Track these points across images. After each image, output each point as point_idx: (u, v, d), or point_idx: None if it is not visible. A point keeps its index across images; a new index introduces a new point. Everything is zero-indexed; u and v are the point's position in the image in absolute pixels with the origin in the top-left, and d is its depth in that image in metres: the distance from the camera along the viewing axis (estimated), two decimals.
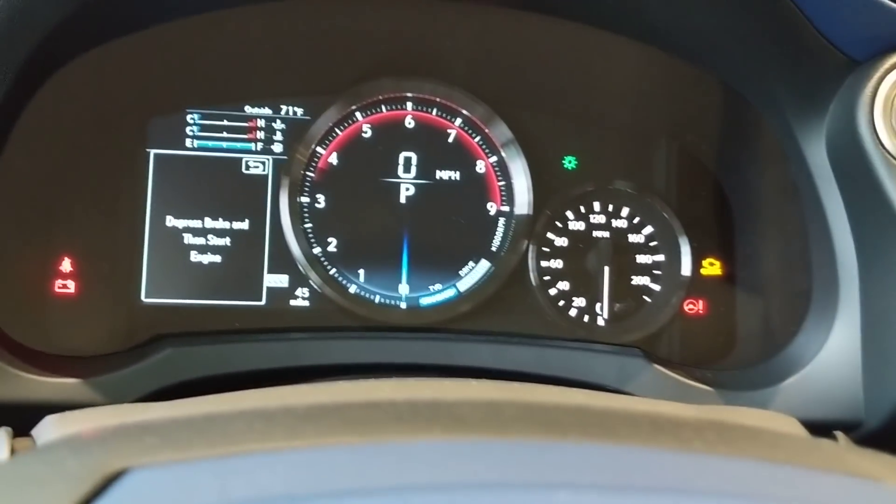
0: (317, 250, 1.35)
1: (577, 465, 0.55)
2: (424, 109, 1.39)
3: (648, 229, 1.41)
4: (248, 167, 1.35)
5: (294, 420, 0.63)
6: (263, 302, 1.34)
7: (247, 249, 1.34)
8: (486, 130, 1.39)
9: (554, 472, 0.55)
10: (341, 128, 1.37)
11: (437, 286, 1.38)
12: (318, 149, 1.36)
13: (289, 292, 1.35)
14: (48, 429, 0.82)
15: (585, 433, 0.61)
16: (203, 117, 1.34)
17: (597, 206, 1.41)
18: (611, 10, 1.24)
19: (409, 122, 1.39)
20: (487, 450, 0.57)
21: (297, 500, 0.50)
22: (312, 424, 0.62)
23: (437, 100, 1.38)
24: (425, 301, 1.37)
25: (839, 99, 1.13)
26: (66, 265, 1.28)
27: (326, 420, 0.63)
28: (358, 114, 1.37)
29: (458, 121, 1.39)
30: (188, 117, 1.34)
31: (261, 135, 1.36)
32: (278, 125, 1.36)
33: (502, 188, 1.39)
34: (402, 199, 1.37)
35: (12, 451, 0.82)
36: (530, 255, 1.39)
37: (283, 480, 0.53)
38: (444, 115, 1.39)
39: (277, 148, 1.36)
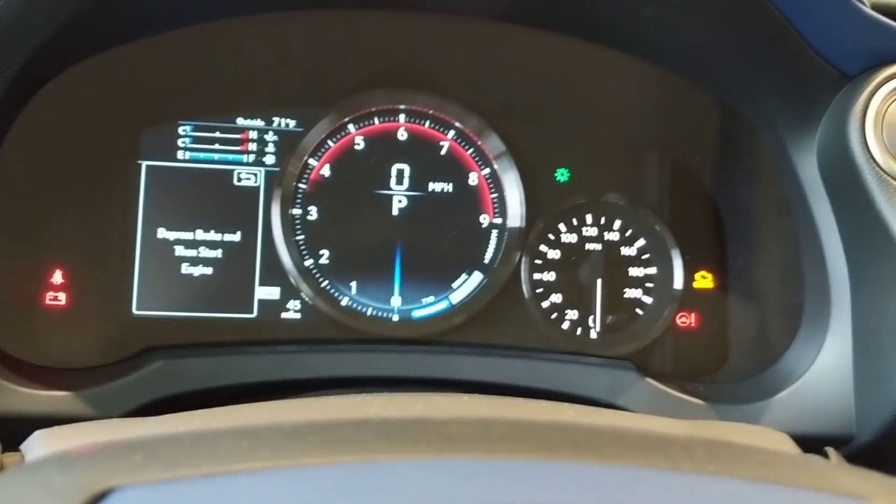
0: (309, 262, 1.35)
1: (566, 486, 0.55)
2: (417, 121, 1.39)
3: (641, 242, 1.41)
4: (239, 179, 1.34)
5: (282, 438, 0.63)
6: (255, 314, 1.34)
7: (238, 262, 1.34)
8: (479, 143, 1.39)
9: (542, 492, 0.54)
10: (334, 139, 1.37)
11: (430, 298, 1.37)
12: (311, 160, 1.36)
13: (280, 305, 1.35)
14: (37, 444, 0.82)
15: (574, 453, 0.61)
16: (195, 129, 1.34)
17: (589, 218, 1.41)
18: (604, 25, 1.24)
19: (402, 134, 1.39)
20: (476, 469, 0.57)
21: None
22: (300, 443, 0.62)
23: (430, 112, 1.38)
24: (417, 313, 1.37)
25: (830, 113, 1.13)
26: (58, 277, 1.27)
27: (314, 439, 0.62)
28: (350, 126, 1.37)
29: (451, 133, 1.39)
30: (180, 129, 1.34)
31: (253, 146, 1.35)
32: (270, 137, 1.36)
33: (495, 200, 1.39)
34: (395, 212, 1.37)
35: (1, 467, 0.83)
36: (523, 267, 1.38)
37: (270, 500, 0.53)
38: (436, 127, 1.39)
39: (269, 160, 1.35)
